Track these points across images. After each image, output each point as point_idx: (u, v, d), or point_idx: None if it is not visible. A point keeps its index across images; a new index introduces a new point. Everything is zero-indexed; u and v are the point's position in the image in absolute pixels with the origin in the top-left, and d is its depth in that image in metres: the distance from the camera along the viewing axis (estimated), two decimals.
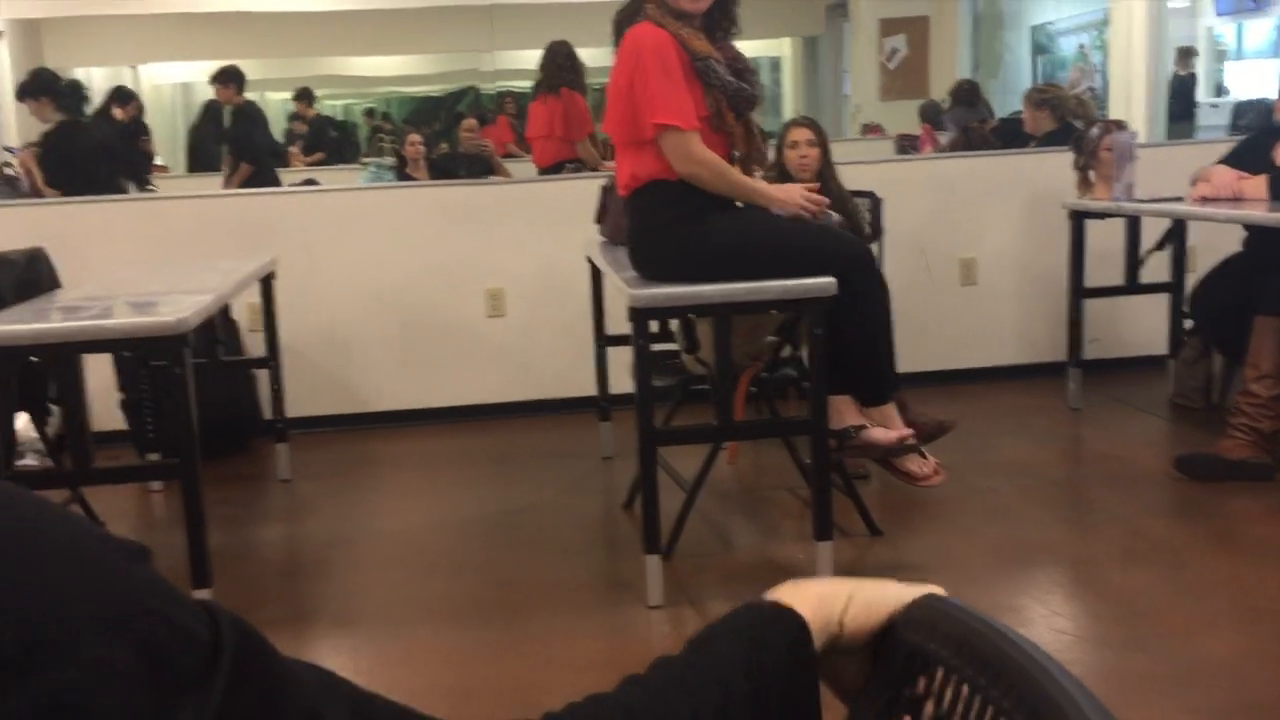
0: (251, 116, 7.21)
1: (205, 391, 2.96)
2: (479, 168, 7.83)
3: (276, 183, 7.17)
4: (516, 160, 8.51)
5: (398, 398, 4.87)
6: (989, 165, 5.28)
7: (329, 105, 18.36)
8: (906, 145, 8.25)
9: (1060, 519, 3.47)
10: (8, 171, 7.02)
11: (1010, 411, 4.63)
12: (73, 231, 4.58)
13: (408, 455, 4.49)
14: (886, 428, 2.99)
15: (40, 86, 5.85)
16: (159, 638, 0.46)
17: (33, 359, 3.05)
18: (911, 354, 4.58)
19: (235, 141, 7.26)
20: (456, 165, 8.43)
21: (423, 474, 4.25)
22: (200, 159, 9.01)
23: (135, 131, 8.02)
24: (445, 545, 3.40)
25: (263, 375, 4.36)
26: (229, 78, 7.03)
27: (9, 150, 7.31)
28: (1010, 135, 6.32)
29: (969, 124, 6.88)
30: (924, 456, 3.07)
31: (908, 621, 0.69)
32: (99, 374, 4.03)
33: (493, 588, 3.06)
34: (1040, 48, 13.17)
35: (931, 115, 8.31)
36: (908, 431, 3.03)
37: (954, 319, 5.12)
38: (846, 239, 3.04)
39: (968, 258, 5.12)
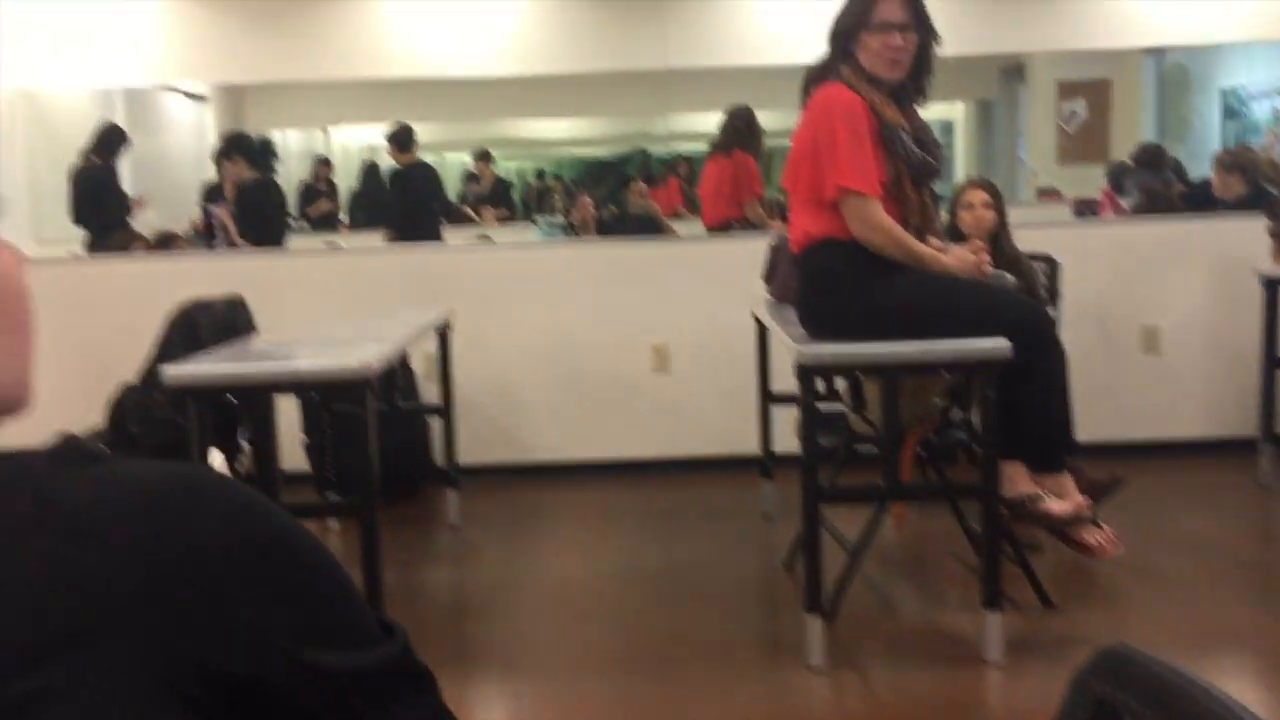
0: (406, 180, 7.25)
1: (382, 436, 3.07)
2: (646, 229, 7.95)
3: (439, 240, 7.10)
4: (685, 222, 8.60)
5: (563, 450, 4.95)
6: (1175, 230, 5.08)
7: (503, 166, 18.97)
8: (1085, 209, 8.01)
9: (1249, 602, 3.28)
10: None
11: (1195, 487, 4.40)
12: (269, 280, 4.85)
13: (571, 506, 4.55)
14: (1060, 496, 2.90)
15: (233, 147, 6.30)
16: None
17: (229, 398, 3.24)
18: (1089, 422, 4.42)
19: (384, 206, 7.47)
20: (624, 226, 8.59)
21: (586, 525, 4.31)
22: (359, 219, 9.42)
23: (324, 192, 8.45)
24: (606, 596, 3.43)
25: (436, 422, 4.51)
26: (392, 138, 7.31)
27: (207, 206, 7.80)
28: (1199, 201, 6.08)
29: (1153, 187, 6.64)
30: (1099, 526, 2.95)
31: (1096, 669, 0.67)
32: (284, 417, 4.23)
33: (652, 640, 3.07)
34: (1231, 112, 12.64)
35: (1119, 176, 8.05)
36: (1083, 501, 2.92)
37: (1135, 388, 4.91)
38: (1022, 301, 2.98)
39: (1150, 325, 4.92)
